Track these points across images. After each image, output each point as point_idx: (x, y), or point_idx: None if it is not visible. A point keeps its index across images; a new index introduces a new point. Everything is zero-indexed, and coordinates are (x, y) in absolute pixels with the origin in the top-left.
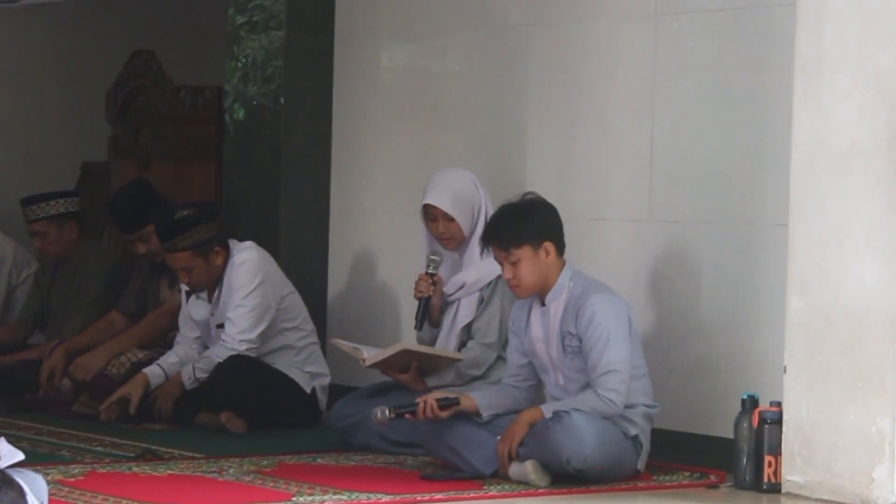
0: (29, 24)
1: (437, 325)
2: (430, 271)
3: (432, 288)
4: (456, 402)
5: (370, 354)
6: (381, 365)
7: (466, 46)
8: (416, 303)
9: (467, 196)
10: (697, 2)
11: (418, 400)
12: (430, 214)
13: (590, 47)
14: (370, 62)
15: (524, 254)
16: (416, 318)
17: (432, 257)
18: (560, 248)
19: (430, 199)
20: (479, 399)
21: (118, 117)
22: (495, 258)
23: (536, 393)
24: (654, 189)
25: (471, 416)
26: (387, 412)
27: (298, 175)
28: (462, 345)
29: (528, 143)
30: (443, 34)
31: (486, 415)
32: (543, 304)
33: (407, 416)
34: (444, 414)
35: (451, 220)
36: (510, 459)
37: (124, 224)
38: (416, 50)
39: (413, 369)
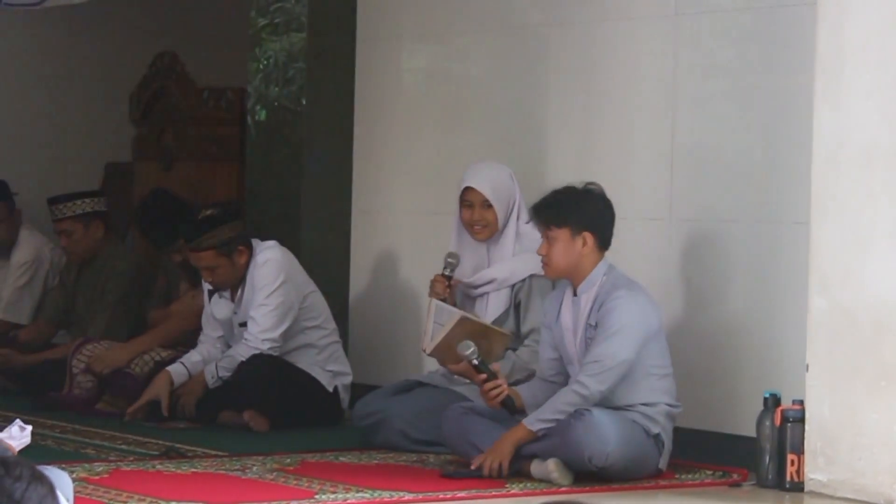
0: (53, 26)
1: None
2: (446, 273)
3: (448, 291)
4: (512, 403)
5: (428, 339)
6: (441, 350)
7: (487, 47)
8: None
9: (506, 187)
10: (718, 1)
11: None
12: (467, 200)
13: (610, 48)
14: (391, 64)
15: (562, 235)
16: (427, 319)
17: (449, 259)
18: (601, 242)
19: (472, 183)
20: (529, 418)
21: (142, 119)
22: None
23: None
24: (674, 188)
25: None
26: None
27: (320, 175)
28: None
29: (549, 143)
30: (464, 35)
31: (535, 429)
32: (575, 295)
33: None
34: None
35: (489, 207)
36: (499, 475)
37: (157, 243)
38: (437, 51)
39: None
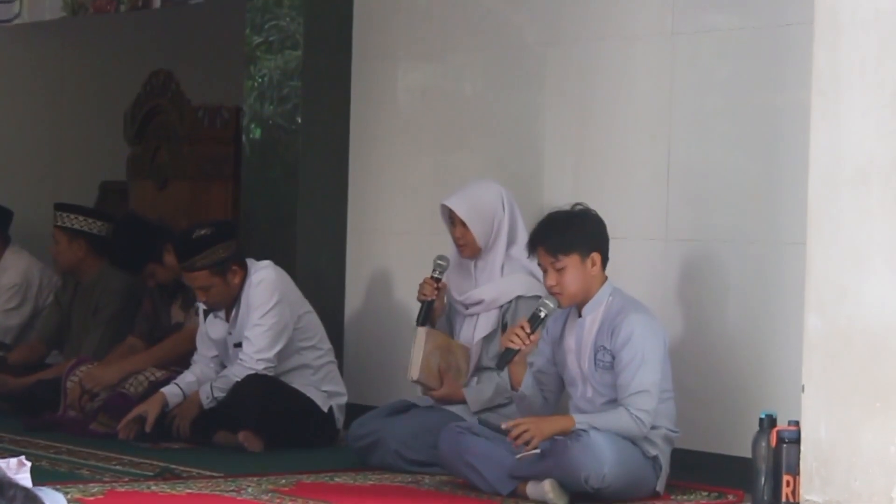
0: (48, 45)
1: (434, 325)
2: (435, 275)
3: (436, 293)
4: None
5: (412, 367)
6: (424, 371)
7: (483, 66)
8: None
9: (487, 208)
10: (714, 20)
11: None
12: (451, 218)
13: (606, 66)
14: (387, 82)
15: (571, 262)
16: (417, 319)
17: (439, 262)
18: (605, 260)
19: (448, 201)
20: (581, 416)
21: (136, 137)
22: (539, 263)
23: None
24: (670, 208)
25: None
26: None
27: (315, 194)
28: (480, 358)
29: (545, 162)
30: (459, 54)
31: (522, 389)
32: (580, 316)
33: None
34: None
35: (467, 227)
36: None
37: (128, 268)
38: (432, 70)
39: (445, 379)
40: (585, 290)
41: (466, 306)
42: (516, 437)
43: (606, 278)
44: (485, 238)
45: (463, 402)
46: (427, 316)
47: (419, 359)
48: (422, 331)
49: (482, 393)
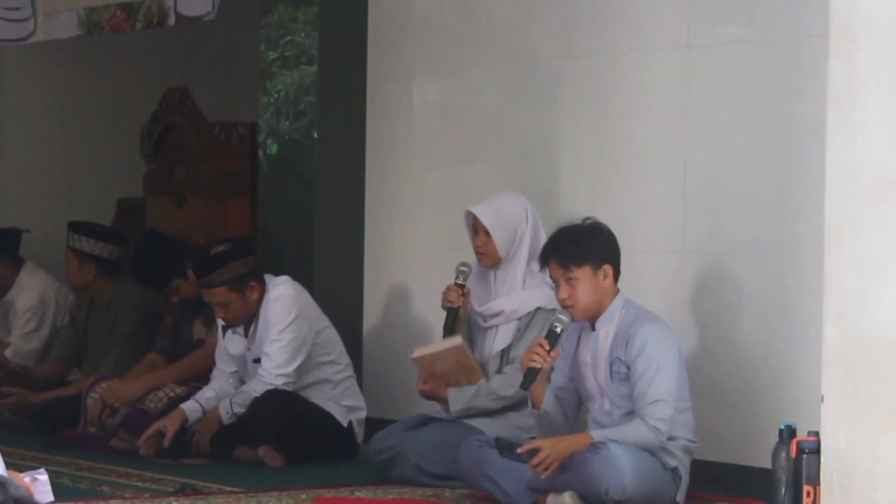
0: (63, 63)
1: (458, 333)
2: (458, 282)
3: (461, 299)
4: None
5: (421, 348)
6: (424, 361)
7: (498, 81)
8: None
9: (511, 219)
10: (730, 33)
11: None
12: (474, 225)
13: (622, 79)
14: (403, 96)
15: (583, 273)
16: (445, 329)
17: (461, 268)
18: (616, 273)
19: (473, 208)
20: (598, 432)
21: (153, 154)
22: (550, 276)
23: (574, 419)
24: (687, 220)
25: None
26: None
27: (332, 209)
28: (500, 369)
29: (561, 176)
30: (475, 69)
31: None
32: (594, 329)
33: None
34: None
35: (489, 235)
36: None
37: (151, 285)
38: (448, 84)
39: (434, 380)
40: (598, 302)
41: (485, 318)
42: (535, 464)
43: (619, 291)
44: (506, 248)
45: (445, 401)
46: (454, 322)
47: (432, 351)
48: (458, 339)
49: (464, 393)
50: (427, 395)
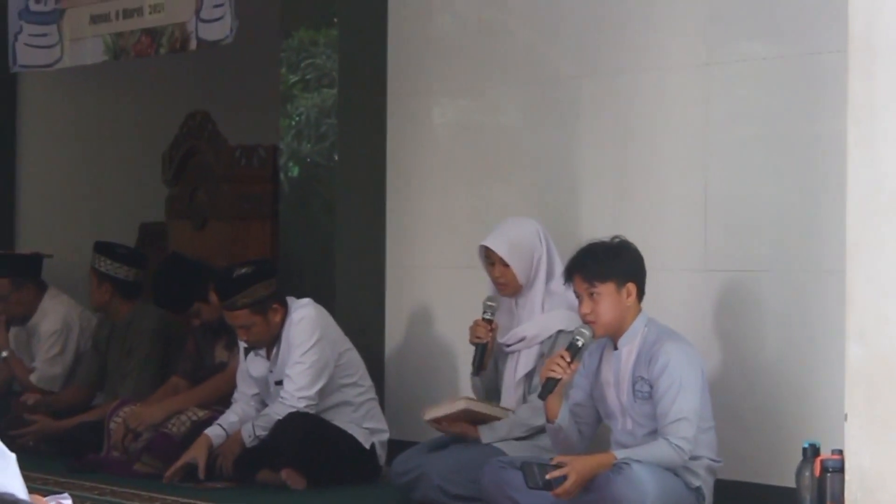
0: (86, 88)
1: (485, 367)
2: (486, 317)
3: (490, 335)
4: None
5: (431, 410)
6: (437, 420)
7: (518, 100)
8: (472, 350)
9: (526, 245)
10: (748, 50)
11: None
12: (489, 258)
13: (641, 98)
14: (423, 118)
15: (607, 290)
16: (473, 364)
17: (489, 303)
18: (641, 293)
19: (488, 242)
20: (621, 452)
21: (175, 178)
22: (574, 291)
23: (590, 437)
24: (708, 238)
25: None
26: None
27: (354, 231)
28: (524, 395)
29: (582, 195)
30: (495, 88)
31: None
32: (616, 348)
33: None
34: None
35: (507, 265)
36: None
37: (172, 308)
38: (468, 105)
39: (458, 423)
40: (620, 320)
41: (508, 345)
42: (560, 493)
43: (642, 310)
44: (526, 275)
45: (477, 438)
46: (483, 358)
47: (444, 413)
48: (462, 403)
49: (496, 430)
50: (459, 437)
